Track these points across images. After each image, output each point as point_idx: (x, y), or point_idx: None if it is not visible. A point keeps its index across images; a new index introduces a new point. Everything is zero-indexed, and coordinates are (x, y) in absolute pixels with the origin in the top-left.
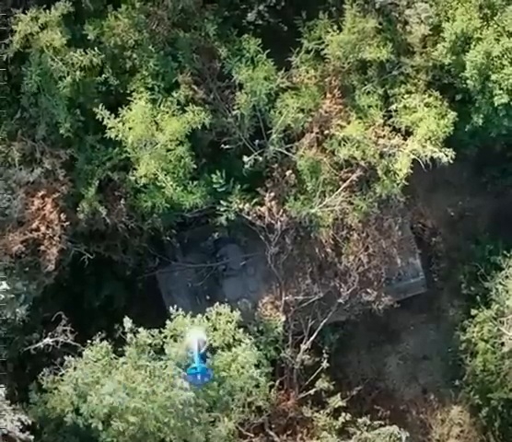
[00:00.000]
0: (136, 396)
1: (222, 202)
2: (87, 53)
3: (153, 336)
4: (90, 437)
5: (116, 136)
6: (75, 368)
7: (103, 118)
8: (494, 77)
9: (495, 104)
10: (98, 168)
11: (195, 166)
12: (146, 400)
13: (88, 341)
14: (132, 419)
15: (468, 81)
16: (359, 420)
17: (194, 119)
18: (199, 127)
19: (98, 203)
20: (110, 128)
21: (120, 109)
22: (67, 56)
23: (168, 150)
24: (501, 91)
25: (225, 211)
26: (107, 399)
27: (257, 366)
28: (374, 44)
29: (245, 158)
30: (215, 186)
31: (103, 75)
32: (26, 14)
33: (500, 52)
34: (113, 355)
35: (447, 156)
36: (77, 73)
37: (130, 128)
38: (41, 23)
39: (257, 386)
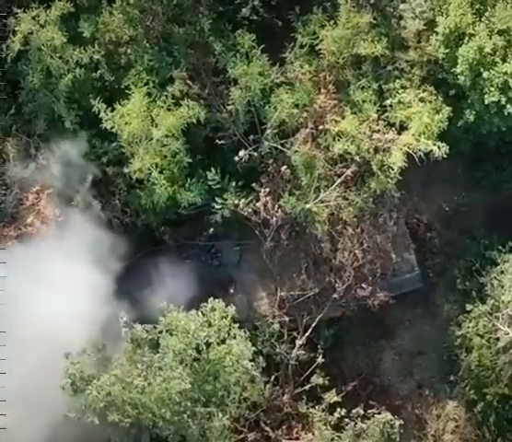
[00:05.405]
0: (133, 390)
1: (217, 198)
2: (86, 51)
3: (147, 331)
4: None
5: (112, 128)
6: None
7: (99, 112)
8: (485, 75)
9: (486, 102)
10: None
11: (190, 160)
12: (143, 393)
13: None
14: (128, 411)
15: (459, 76)
16: (353, 410)
17: (189, 113)
18: (194, 122)
19: (92, 198)
20: (106, 120)
21: (114, 104)
22: (67, 54)
23: (164, 145)
24: (492, 89)
25: (220, 208)
26: (105, 389)
27: (252, 360)
28: (368, 39)
29: (240, 153)
30: (210, 183)
31: (98, 72)
32: (18, 11)
33: (492, 50)
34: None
35: (439, 149)
36: (77, 70)
37: (126, 123)
38: (42, 22)
39: (252, 380)
